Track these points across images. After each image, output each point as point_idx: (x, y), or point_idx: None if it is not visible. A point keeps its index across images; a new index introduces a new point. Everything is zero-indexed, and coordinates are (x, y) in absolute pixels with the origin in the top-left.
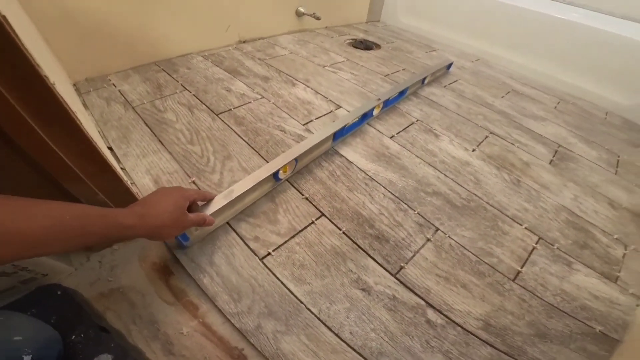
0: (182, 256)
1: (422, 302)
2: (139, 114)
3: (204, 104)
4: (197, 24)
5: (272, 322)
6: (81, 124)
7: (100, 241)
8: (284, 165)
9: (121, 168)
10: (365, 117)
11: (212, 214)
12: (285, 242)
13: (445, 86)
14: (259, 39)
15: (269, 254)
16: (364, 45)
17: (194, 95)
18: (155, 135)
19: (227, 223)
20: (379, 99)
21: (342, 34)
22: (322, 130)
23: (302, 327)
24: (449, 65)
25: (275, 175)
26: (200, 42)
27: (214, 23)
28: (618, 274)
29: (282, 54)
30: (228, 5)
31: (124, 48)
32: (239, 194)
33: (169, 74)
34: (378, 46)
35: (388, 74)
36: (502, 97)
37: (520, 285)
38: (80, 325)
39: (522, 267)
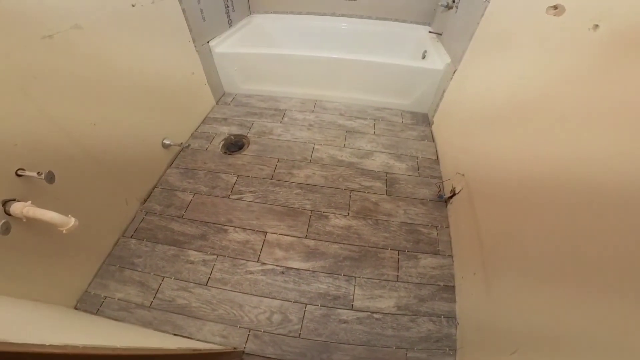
0: None
1: (369, 312)
2: (160, 309)
3: (190, 282)
4: (103, 214)
5: None
6: None
7: None
8: None
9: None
10: None
11: None
12: None
13: (310, 161)
14: (153, 190)
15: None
16: (236, 145)
17: (175, 280)
18: (189, 317)
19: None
20: None
21: (209, 137)
22: None
23: None
24: None
25: None
26: (116, 226)
27: (114, 204)
28: (438, 248)
29: (188, 200)
30: (117, 175)
31: (78, 260)
32: None
33: (132, 269)
34: (246, 139)
35: (272, 175)
36: (344, 145)
37: (402, 281)
38: None
39: (398, 272)
